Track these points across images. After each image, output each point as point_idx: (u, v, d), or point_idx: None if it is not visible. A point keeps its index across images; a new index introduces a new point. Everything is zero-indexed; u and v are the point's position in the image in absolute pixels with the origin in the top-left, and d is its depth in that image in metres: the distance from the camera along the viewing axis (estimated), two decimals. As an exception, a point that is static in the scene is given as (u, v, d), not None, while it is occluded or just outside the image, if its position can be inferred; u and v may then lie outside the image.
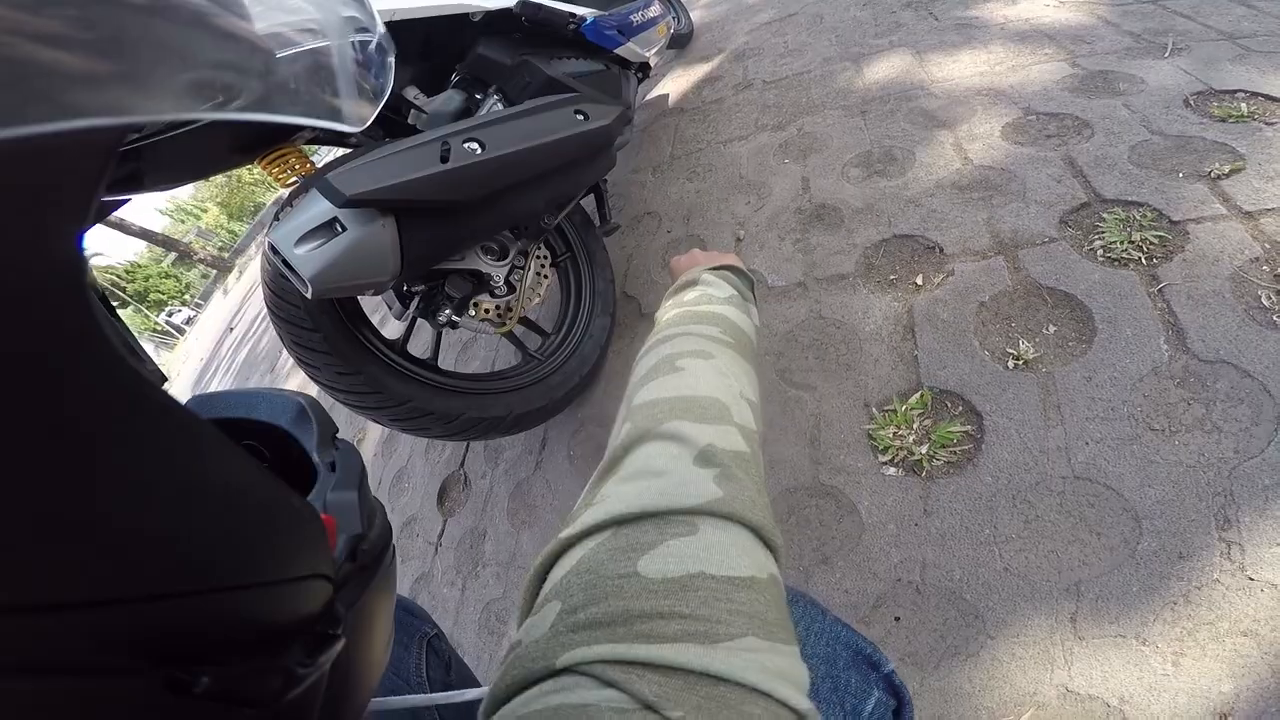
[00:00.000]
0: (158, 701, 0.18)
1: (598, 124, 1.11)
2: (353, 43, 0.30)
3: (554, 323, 1.32)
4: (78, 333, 0.14)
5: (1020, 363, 0.83)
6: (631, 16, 1.62)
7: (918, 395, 0.85)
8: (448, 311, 1.06)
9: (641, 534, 0.25)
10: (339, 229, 0.85)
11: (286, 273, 0.87)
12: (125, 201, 0.97)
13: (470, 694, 0.44)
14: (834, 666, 0.41)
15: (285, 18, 0.27)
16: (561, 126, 1.06)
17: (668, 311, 0.45)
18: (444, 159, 0.89)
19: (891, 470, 0.81)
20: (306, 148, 1.15)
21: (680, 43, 2.48)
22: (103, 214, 0.96)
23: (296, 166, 1.10)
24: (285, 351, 1.09)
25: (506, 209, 1.03)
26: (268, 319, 1.04)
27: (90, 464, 0.15)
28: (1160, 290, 0.83)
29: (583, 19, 1.38)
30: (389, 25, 1.00)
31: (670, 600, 0.23)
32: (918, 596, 0.72)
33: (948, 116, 1.33)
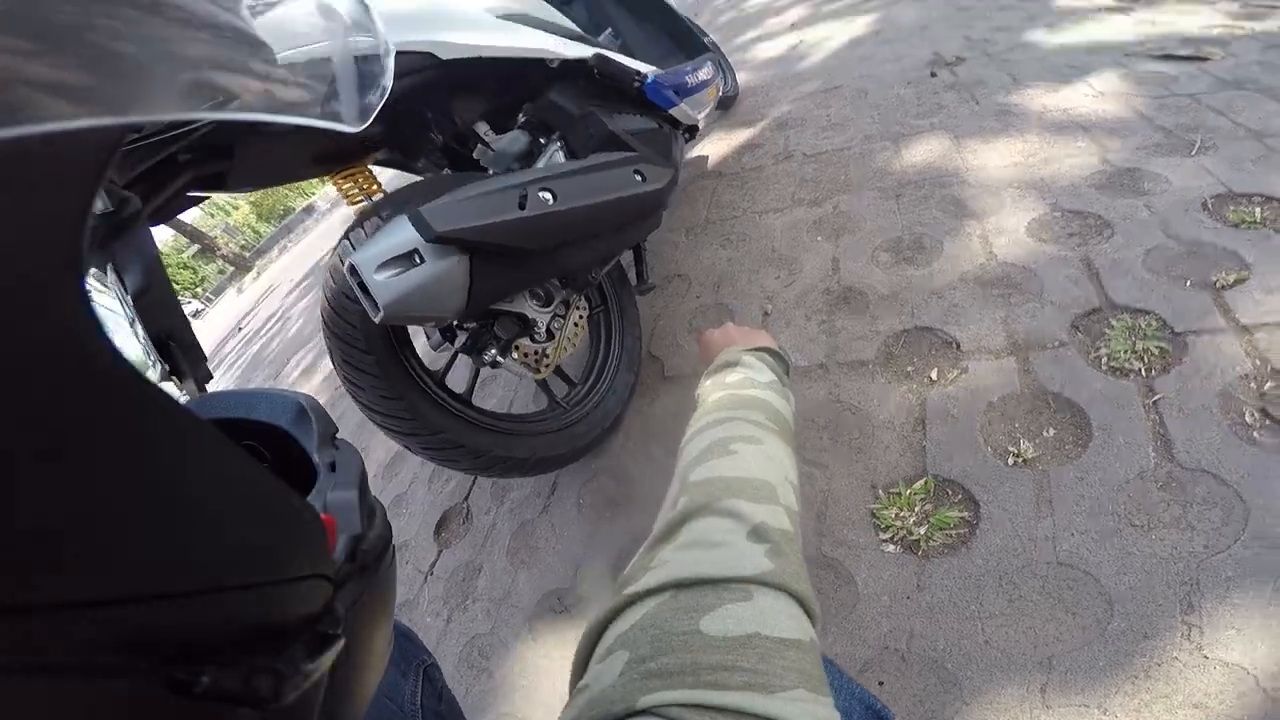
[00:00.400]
0: (158, 701, 0.19)
1: (654, 186, 1.26)
2: (352, 43, 0.32)
3: (580, 372, 1.45)
4: (76, 333, 0.15)
5: (1020, 460, 0.95)
6: (687, 77, 1.79)
7: (922, 482, 0.98)
8: (493, 351, 1.17)
9: (701, 597, 0.30)
10: (418, 260, 0.95)
11: (359, 294, 0.96)
12: (205, 198, 1.08)
13: None
14: (849, 718, 0.49)
15: (284, 19, 0.29)
16: (623, 185, 1.20)
17: (712, 392, 0.50)
18: (521, 205, 1.01)
19: (890, 547, 0.93)
20: (375, 168, 1.34)
21: (725, 104, 2.66)
22: (182, 208, 1.04)
23: (365, 186, 1.29)
24: (292, 360, 1.23)
25: (566, 259, 1.17)
26: (280, 324, 1.20)
27: (89, 464, 0.16)
28: (1155, 402, 0.94)
29: (645, 77, 1.54)
30: (475, 61, 1.15)
31: (732, 655, 0.27)
32: (902, 664, 0.83)
33: (978, 207, 1.47)
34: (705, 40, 2.18)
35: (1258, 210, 1.19)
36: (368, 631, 0.32)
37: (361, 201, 1.29)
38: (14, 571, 0.15)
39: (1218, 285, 1.07)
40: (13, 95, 0.13)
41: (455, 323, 1.18)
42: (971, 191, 1.54)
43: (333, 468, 0.34)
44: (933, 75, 2.36)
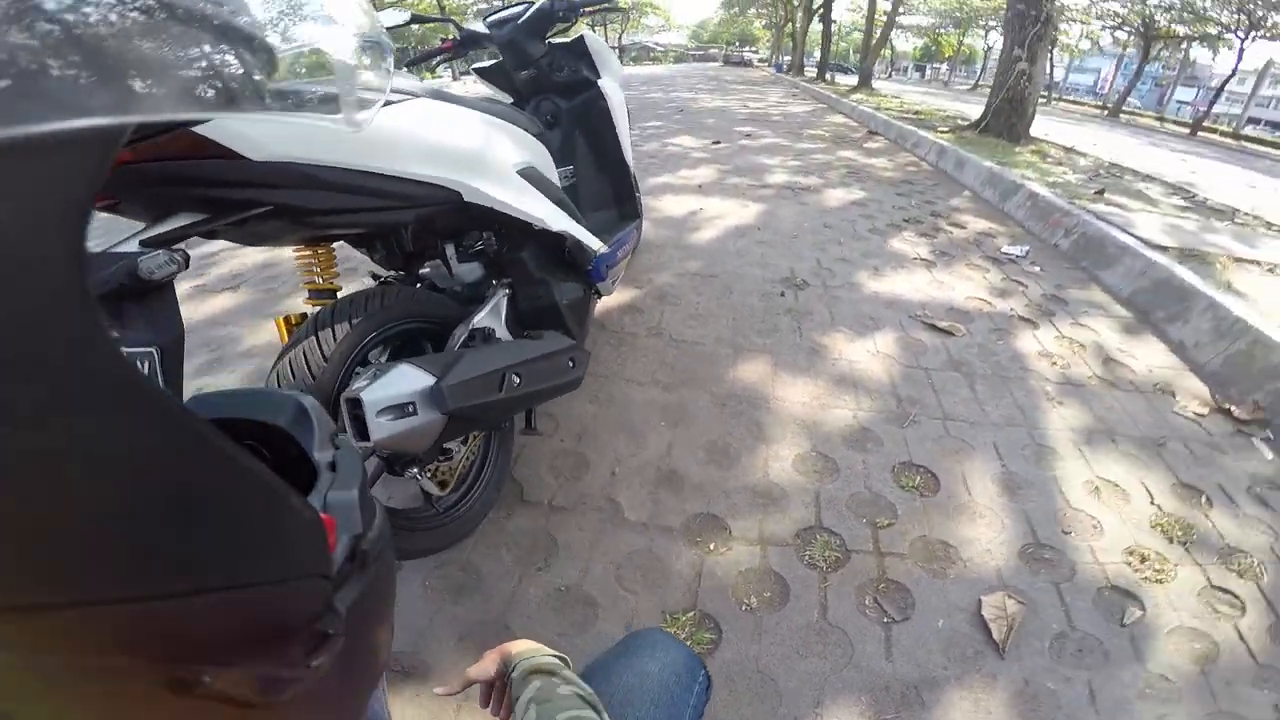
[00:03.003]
0: (159, 701, 0.24)
1: (577, 375, 1.92)
2: (354, 44, 0.39)
3: (454, 480, 1.91)
4: (77, 332, 0.18)
5: (748, 608, 1.98)
6: (618, 251, 2.60)
7: (692, 613, 1.92)
8: (414, 470, 1.65)
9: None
10: (411, 411, 1.37)
11: (347, 419, 1.32)
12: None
13: None
14: (681, 661, 0.97)
15: (284, 18, 0.36)
16: (560, 372, 1.83)
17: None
18: (500, 387, 1.53)
19: None
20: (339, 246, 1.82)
21: None
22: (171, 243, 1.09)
23: (323, 266, 1.74)
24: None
25: (502, 420, 1.92)
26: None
27: (89, 464, 0.19)
28: (825, 587, 2.04)
29: (595, 255, 2.24)
30: (488, 208, 1.60)
31: None
32: None
33: (769, 433, 2.61)
34: (638, 200, 3.15)
35: (917, 478, 2.43)
36: (368, 630, 0.40)
37: (314, 280, 1.76)
38: (14, 572, 0.18)
39: (877, 525, 2.24)
40: (15, 94, 0.16)
41: None
42: (769, 419, 2.70)
43: (333, 467, 0.42)
44: (781, 295, 3.67)
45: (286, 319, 1.67)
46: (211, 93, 0.25)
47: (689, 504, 2.33)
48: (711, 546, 2.17)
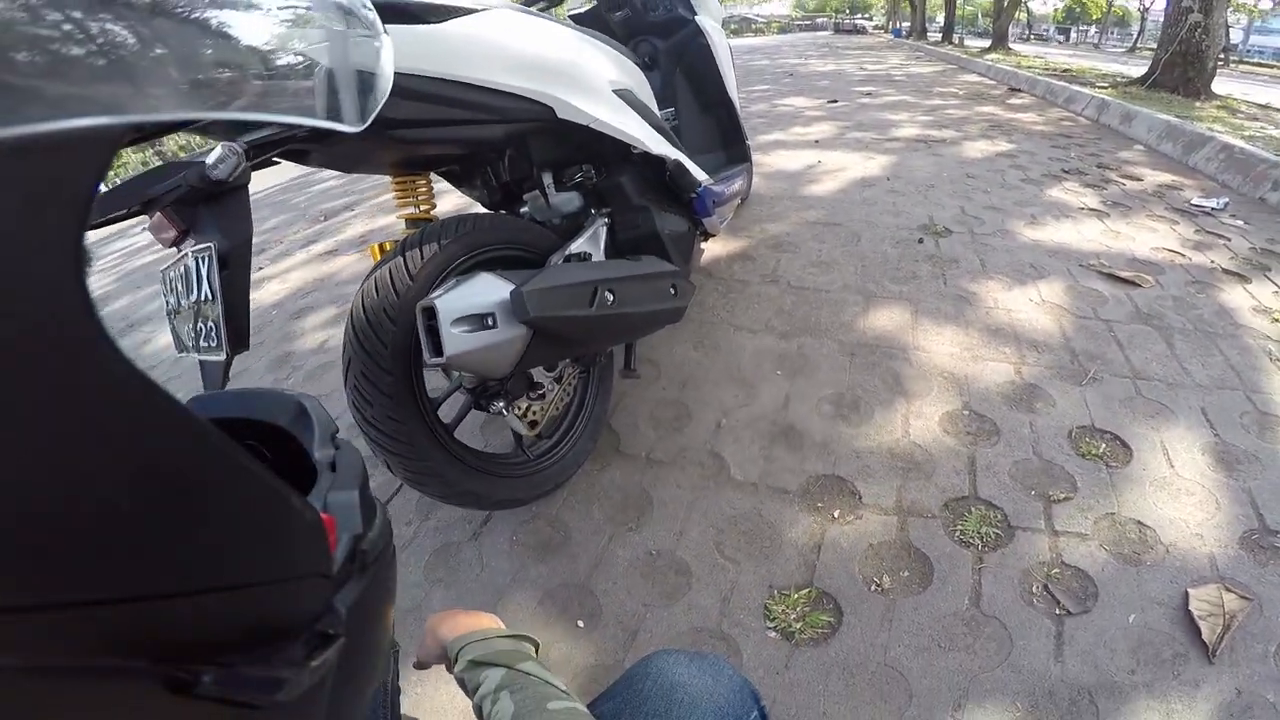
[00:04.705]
0: (158, 701, 0.25)
1: (680, 303, 1.89)
2: (353, 44, 0.41)
3: (548, 427, 1.91)
4: (76, 332, 0.19)
5: (879, 588, 1.72)
6: (725, 189, 2.55)
7: (806, 590, 1.71)
8: (500, 404, 1.69)
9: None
10: (490, 324, 1.37)
11: (422, 332, 1.35)
12: (278, 162, 1.35)
13: None
14: (742, 689, 0.88)
15: (286, 19, 0.37)
16: (660, 297, 1.81)
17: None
18: (591, 302, 1.51)
19: (772, 634, 1.64)
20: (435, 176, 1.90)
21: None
22: (258, 167, 1.23)
23: (420, 195, 1.84)
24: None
25: (596, 346, 1.81)
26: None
27: (89, 464, 0.21)
28: (980, 569, 1.75)
29: (700, 186, 2.25)
30: (586, 130, 1.66)
31: None
32: None
33: (910, 388, 2.33)
34: (747, 145, 3.07)
35: (1103, 445, 2.08)
36: (368, 630, 0.41)
37: (409, 209, 1.83)
38: (14, 572, 0.19)
39: (1051, 498, 1.91)
40: (16, 94, 0.17)
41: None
42: (910, 371, 2.41)
43: (333, 467, 0.44)
44: (919, 242, 3.34)
45: (381, 245, 1.69)
46: (213, 94, 0.27)
47: (809, 463, 2.09)
48: (836, 514, 1.93)
